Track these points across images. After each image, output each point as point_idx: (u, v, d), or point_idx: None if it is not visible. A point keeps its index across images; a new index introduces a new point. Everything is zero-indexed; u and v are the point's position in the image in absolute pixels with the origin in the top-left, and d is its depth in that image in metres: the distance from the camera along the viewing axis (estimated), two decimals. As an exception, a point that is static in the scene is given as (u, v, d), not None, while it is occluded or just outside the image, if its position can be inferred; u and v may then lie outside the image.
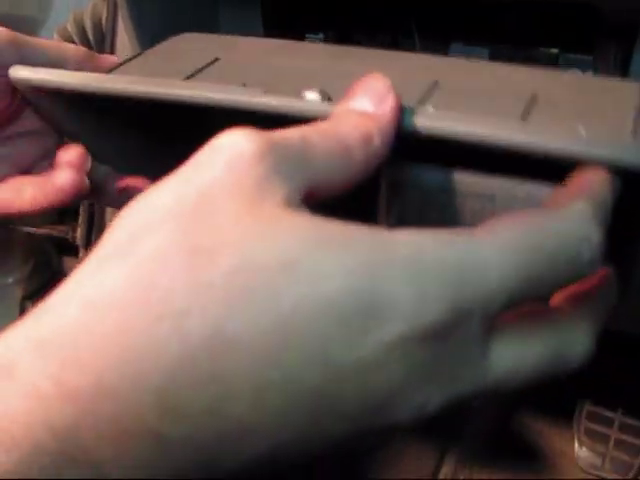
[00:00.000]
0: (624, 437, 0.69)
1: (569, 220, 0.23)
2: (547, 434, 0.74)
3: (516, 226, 0.23)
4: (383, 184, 0.32)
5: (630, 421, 0.69)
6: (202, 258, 0.21)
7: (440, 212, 0.31)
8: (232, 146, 0.23)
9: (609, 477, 0.68)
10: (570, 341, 0.24)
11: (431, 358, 0.21)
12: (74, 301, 0.21)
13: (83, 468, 0.19)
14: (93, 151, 0.40)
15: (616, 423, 0.69)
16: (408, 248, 0.21)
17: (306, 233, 0.21)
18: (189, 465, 0.20)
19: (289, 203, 0.22)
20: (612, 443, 0.69)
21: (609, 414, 0.70)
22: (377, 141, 0.26)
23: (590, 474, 0.69)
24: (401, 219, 0.31)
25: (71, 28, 0.60)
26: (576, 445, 0.70)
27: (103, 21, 0.58)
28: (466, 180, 0.30)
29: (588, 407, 0.71)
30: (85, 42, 0.59)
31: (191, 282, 0.20)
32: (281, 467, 0.22)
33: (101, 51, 0.60)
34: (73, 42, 0.59)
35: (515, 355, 0.23)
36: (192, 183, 0.22)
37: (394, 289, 0.20)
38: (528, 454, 0.74)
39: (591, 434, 0.70)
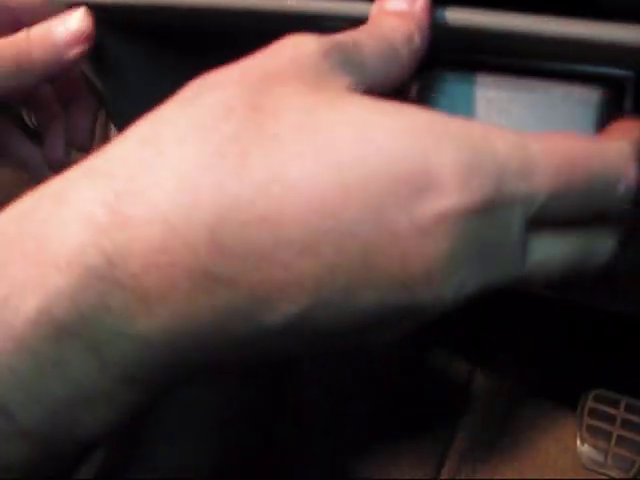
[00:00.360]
0: (626, 434, 0.69)
1: (613, 151, 0.24)
2: (549, 430, 0.73)
3: (566, 140, 0.24)
4: (413, 89, 0.33)
5: (632, 417, 0.69)
6: (267, 115, 0.21)
7: (468, 116, 0.31)
8: (297, 44, 0.24)
9: (611, 474, 0.68)
10: (597, 240, 0.25)
11: (475, 235, 0.22)
12: (133, 138, 0.22)
13: (129, 295, 0.20)
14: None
15: (618, 420, 0.69)
16: (461, 129, 0.22)
17: (369, 105, 0.22)
18: (229, 312, 0.20)
19: (351, 91, 0.24)
20: (614, 440, 0.69)
21: (611, 411, 0.70)
22: (417, 39, 0.27)
23: (592, 471, 0.69)
24: None
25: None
26: (578, 442, 0.70)
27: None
28: (494, 83, 0.31)
29: (590, 404, 0.71)
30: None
31: (256, 130, 0.21)
32: (309, 343, 0.22)
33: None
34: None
35: (547, 250, 0.24)
36: (258, 66, 0.24)
37: (447, 162, 0.21)
38: (530, 451, 0.74)
39: (593, 431, 0.70)
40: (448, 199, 0.21)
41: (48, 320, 0.19)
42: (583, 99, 0.30)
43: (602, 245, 0.26)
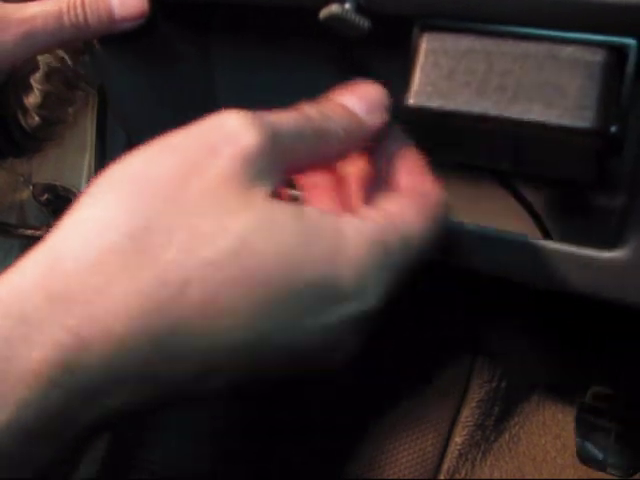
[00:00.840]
0: (625, 431, 0.69)
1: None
2: (548, 428, 0.74)
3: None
4: (420, 50, 0.34)
5: (631, 414, 0.69)
6: (204, 239, 0.25)
7: (470, 76, 0.33)
8: (235, 140, 0.26)
9: (610, 471, 0.69)
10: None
11: (364, 325, 0.28)
12: (84, 260, 0.25)
13: (84, 397, 0.24)
14: None
15: (616, 417, 0.70)
16: (357, 253, 0.27)
17: (294, 227, 0.26)
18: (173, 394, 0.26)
19: (273, 195, 0.27)
20: (613, 437, 0.69)
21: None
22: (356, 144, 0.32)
23: (591, 468, 0.70)
24: (429, 83, 0.33)
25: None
26: (577, 440, 0.70)
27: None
28: (497, 44, 0.32)
29: (588, 401, 0.71)
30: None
31: (193, 256, 0.24)
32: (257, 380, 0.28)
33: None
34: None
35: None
36: (196, 173, 0.26)
37: (351, 280, 0.26)
38: (529, 448, 0.74)
39: (591, 428, 0.70)
40: (354, 307, 0.27)
41: (18, 428, 0.23)
42: (587, 58, 0.31)
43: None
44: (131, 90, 0.49)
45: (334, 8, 0.34)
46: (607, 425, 0.70)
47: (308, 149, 0.29)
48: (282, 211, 0.26)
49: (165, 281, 0.24)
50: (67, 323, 0.23)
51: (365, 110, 0.31)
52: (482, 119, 0.32)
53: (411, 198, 0.31)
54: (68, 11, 0.40)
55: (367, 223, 0.28)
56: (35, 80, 0.60)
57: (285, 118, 0.28)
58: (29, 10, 0.40)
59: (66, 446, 0.25)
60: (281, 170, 0.28)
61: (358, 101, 0.31)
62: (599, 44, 0.31)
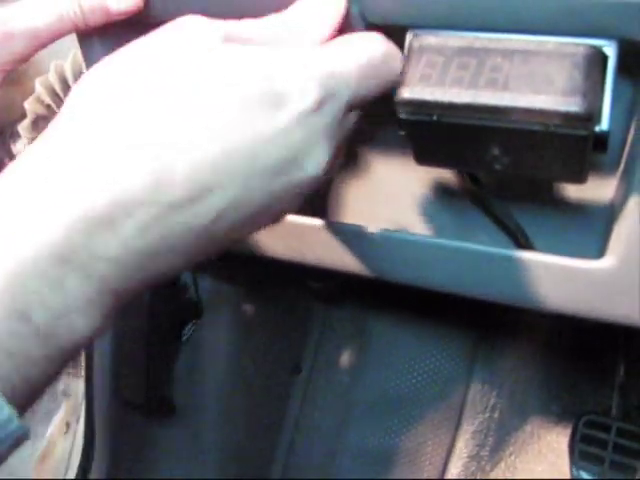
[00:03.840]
0: (619, 458, 0.69)
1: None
2: (543, 456, 0.74)
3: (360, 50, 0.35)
4: (408, 49, 0.37)
5: (624, 442, 0.69)
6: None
7: (461, 71, 0.35)
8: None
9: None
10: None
11: (318, 125, 0.32)
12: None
13: (105, 231, 0.29)
14: None
15: (610, 445, 0.69)
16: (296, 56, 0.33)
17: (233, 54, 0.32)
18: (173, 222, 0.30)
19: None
20: (607, 465, 0.69)
21: (603, 436, 0.70)
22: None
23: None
24: (423, 77, 0.35)
25: (52, 78, 0.60)
26: (573, 468, 0.70)
27: (83, 71, 0.59)
28: (487, 40, 0.35)
29: (582, 429, 0.71)
30: (67, 92, 0.60)
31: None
32: (232, 231, 0.32)
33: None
34: (54, 92, 0.60)
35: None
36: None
37: (292, 85, 0.32)
38: (525, 477, 0.74)
39: (586, 456, 0.70)
40: (297, 106, 0.32)
41: (50, 252, 0.27)
42: (572, 51, 0.33)
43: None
44: None
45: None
46: (601, 453, 0.70)
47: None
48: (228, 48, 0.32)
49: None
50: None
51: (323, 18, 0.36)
52: (475, 109, 0.34)
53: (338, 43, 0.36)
54: (68, 14, 0.43)
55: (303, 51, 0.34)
56: (22, 128, 0.61)
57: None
58: (32, 14, 0.43)
59: (91, 285, 0.29)
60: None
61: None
62: (581, 45, 0.33)
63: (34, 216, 0.28)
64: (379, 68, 0.35)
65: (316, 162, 0.33)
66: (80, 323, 0.29)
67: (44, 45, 0.44)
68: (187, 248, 0.31)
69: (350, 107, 0.34)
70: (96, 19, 0.43)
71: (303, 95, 0.32)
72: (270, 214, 0.34)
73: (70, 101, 0.32)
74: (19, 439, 0.27)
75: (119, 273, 0.29)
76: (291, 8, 0.36)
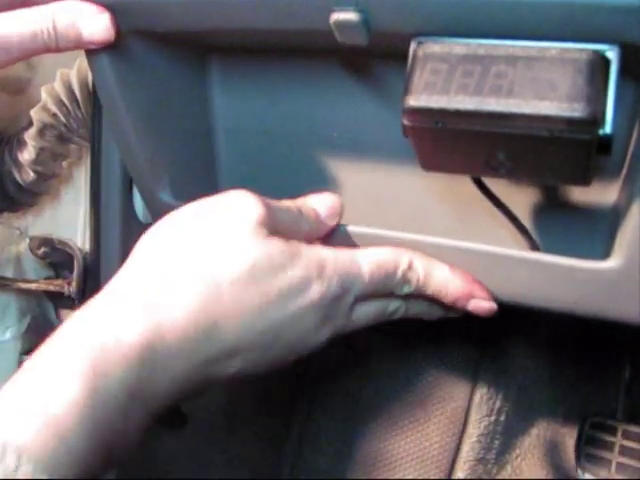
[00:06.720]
0: (625, 461, 0.69)
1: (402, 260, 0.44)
2: (549, 459, 0.74)
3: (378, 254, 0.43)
4: (412, 57, 0.37)
5: (630, 444, 0.69)
6: (228, 260, 0.39)
7: (466, 78, 0.35)
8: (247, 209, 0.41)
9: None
10: (391, 303, 0.45)
11: (330, 312, 0.41)
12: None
13: (161, 371, 0.37)
14: None
15: (616, 447, 0.69)
16: (317, 256, 0.41)
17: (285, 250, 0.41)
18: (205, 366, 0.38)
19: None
20: (614, 468, 0.69)
21: (609, 438, 0.70)
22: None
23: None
24: (428, 85, 0.36)
25: (58, 87, 0.61)
26: (579, 471, 0.70)
27: (89, 80, 0.60)
28: (491, 47, 0.35)
29: (588, 431, 0.71)
30: (73, 100, 0.61)
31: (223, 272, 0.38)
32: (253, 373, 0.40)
33: (89, 109, 0.61)
34: (60, 100, 0.61)
35: (364, 311, 0.44)
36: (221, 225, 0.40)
37: (314, 281, 0.40)
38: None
39: (592, 459, 0.70)
40: (314, 296, 0.40)
41: (122, 388, 0.34)
42: (575, 56, 0.33)
43: (394, 305, 0.45)
44: (129, 114, 0.51)
45: (345, 15, 0.37)
46: (607, 455, 0.70)
47: (286, 228, 0.42)
48: (276, 242, 0.40)
49: (208, 289, 0.37)
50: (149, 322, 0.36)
51: (326, 215, 0.46)
52: (479, 116, 0.34)
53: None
54: (42, 33, 0.44)
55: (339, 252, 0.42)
56: (29, 136, 0.62)
57: (276, 203, 0.43)
58: (8, 28, 0.44)
59: (148, 411, 0.36)
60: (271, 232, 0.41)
61: (324, 208, 0.46)
62: (583, 50, 0.34)
63: (115, 358, 0.34)
64: (388, 271, 0.42)
65: (319, 340, 0.42)
66: (138, 414, 0.36)
67: (12, 61, 0.45)
68: (208, 385, 0.40)
69: (359, 299, 0.43)
70: (68, 44, 0.45)
71: (326, 288, 0.40)
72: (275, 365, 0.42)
73: (135, 253, 0.40)
74: None
75: (162, 403, 0.37)
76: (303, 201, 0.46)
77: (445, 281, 0.43)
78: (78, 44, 0.45)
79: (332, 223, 0.46)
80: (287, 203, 0.44)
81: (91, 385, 0.33)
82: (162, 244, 0.40)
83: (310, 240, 0.45)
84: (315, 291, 0.40)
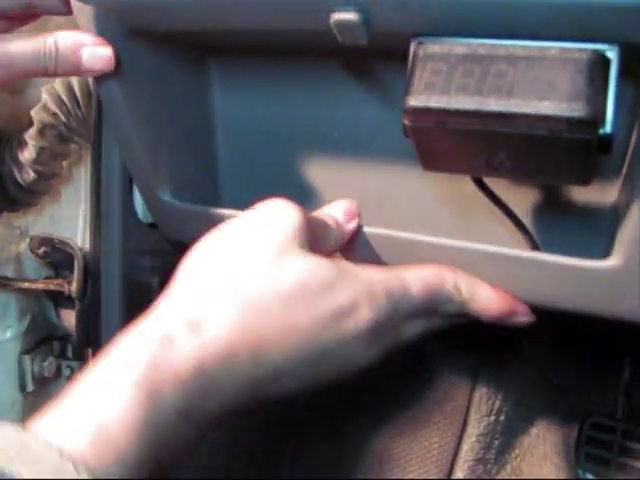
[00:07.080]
0: (625, 460, 0.69)
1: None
2: (549, 459, 0.74)
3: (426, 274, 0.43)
4: (412, 57, 0.37)
5: (630, 444, 0.69)
6: (275, 276, 0.39)
7: (466, 78, 0.35)
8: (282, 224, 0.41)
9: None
10: (434, 320, 0.45)
11: (379, 332, 0.41)
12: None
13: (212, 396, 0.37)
14: None
15: (616, 447, 0.69)
16: (366, 276, 0.41)
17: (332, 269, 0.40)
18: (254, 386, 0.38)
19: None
20: (613, 468, 0.69)
21: (609, 438, 0.70)
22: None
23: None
24: (428, 85, 0.36)
25: (58, 86, 0.61)
26: (579, 471, 0.70)
27: (89, 79, 0.60)
28: (491, 48, 0.35)
29: (587, 431, 0.71)
30: (73, 100, 0.61)
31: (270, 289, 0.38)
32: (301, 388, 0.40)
33: (89, 109, 0.61)
34: (61, 100, 0.61)
35: (409, 329, 0.43)
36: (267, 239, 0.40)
37: (364, 302, 0.40)
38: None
39: (592, 459, 0.70)
40: (368, 318, 0.39)
41: (174, 411, 0.35)
42: (575, 56, 0.33)
43: (435, 321, 0.45)
44: (129, 122, 0.51)
45: (345, 15, 0.37)
46: (607, 455, 0.70)
47: (318, 239, 0.43)
48: (324, 260, 0.40)
49: (255, 307, 0.37)
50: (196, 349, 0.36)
51: (344, 220, 0.46)
52: (480, 115, 0.34)
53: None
54: (44, 56, 0.45)
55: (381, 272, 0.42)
56: (29, 136, 0.62)
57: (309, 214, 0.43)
58: (12, 46, 0.45)
59: (198, 428, 0.36)
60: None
61: (341, 213, 0.46)
62: (584, 50, 0.34)
63: (172, 380, 0.35)
64: (434, 290, 0.42)
65: (368, 360, 0.41)
66: (187, 433, 0.36)
67: (12, 79, 0.46)
68: (258, 402, 0.40)
69: (407, 317, 0.42)
70: (66, 70, 0.46)
71: (376, 310, 0.40)
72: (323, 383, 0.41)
73: (181, 270, 0.40)
74: None
75: (212, 421, 0.37)
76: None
77: (488, 300, 0.43)
78: (77, 71, 0.46)
79: (352, 226, 0.46)
80: (314, 213, 0.44)
81: (146, 404, 0.34)
82: (208, 260, 0.40)
83: (335, 248, 0.45)
84: (364, 312, 0.39)
